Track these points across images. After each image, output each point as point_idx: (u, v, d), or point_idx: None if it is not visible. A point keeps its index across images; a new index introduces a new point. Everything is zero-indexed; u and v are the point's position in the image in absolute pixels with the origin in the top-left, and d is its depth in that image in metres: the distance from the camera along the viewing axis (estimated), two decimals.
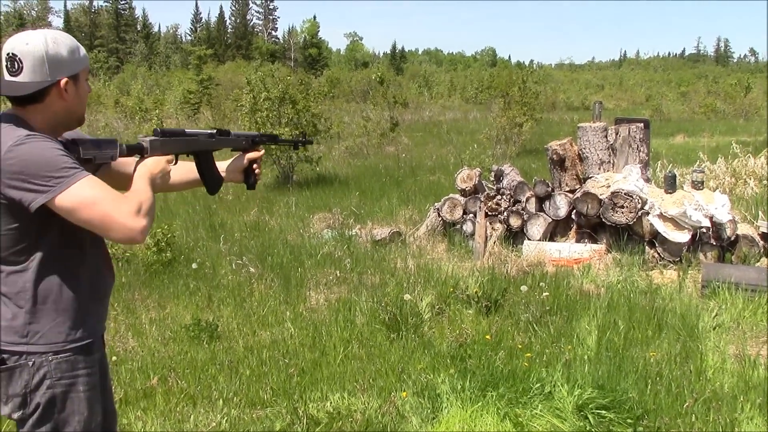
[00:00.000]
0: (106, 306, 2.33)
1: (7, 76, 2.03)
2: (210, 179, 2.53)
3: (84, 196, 1.93)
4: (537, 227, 7.75)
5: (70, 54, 2.07)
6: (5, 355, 2.04)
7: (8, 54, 2.01)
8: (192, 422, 3.93)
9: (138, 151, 2.23)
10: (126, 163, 2.32)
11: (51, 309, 2.06)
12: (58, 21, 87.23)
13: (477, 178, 8.49)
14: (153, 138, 2.25)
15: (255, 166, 2.62)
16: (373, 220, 9.37)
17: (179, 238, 8.13)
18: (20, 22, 72.76)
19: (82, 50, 2.15)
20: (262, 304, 5.97)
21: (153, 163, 2.20)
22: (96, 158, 2.11)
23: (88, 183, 1.95)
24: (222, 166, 2.60)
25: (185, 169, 2.52)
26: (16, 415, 2.09)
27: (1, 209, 1.96)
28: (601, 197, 7.25)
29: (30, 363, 2.04)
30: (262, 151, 2.67)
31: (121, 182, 2.26)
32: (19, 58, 2.00)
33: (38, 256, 2.03)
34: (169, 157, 2.28)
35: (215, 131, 2.51)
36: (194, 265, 6.91)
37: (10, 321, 2.04)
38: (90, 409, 2.16)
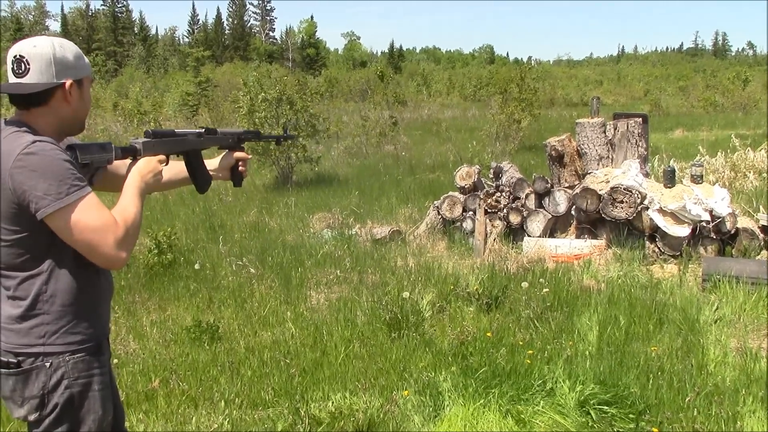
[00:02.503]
0: (110, 305, 2.37)
1: (12, 78, 2.05)
2: (200, 178, 2.57)
3: (76, 219, 1.97)
4: (537, 223, 7.74)
5: (75, 59, 2.12)
6: (21, 358, 2.06)
7: (15, 56, 2.05)
8: (194, 424, 3.93)
9: (132, 153, 2.26)
10: (119, 166, 2.36)
11: (66, 311, 2.09)
12: (55, 25, 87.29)
13: (476, 176, 8.49)
14: (145, 140, 2.30)
15: (240, 164, 2.67)
16: (373, 219, 9.37)
17: (179, 239, 8.13)
18: (18, 26, 72.77)
19: (86, 59, 2.20)
20: (262, 305, 5.97)
21: (145, 165, 2.24)
22: (93, 162, 2.14)
23: (83, 205, 1.98)
24: (210, 164, 2.63)
25: (176, 169, 2.55)
26: (32, 417, 2.11)
27: (12, 217, 1.99)
28: (600, 193, 7.25)
29: (47, 364, 2.06)
30: (249, 156, 2.72)
31: (115, 184, 2.31)
32: (26, 60, 2.03)
33: (51, 259, 2.06)
34: (161, 157, 2.31)
35: (203, 130, 2.56)
36: (197, 266, 6.92)
37: (26, 324, 2.06)
38: (104, 408, 2.20)
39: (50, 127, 2.08)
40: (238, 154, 2.66)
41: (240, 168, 2.67)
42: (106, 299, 2.28)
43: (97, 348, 2.19)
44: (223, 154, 2.67)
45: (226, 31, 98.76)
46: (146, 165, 2.24)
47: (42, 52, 2.04)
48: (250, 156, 2.73)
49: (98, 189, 2.39)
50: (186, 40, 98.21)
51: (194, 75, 37.16)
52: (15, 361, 2.06)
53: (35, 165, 1.93)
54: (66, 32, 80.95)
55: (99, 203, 2.02)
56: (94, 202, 2.00)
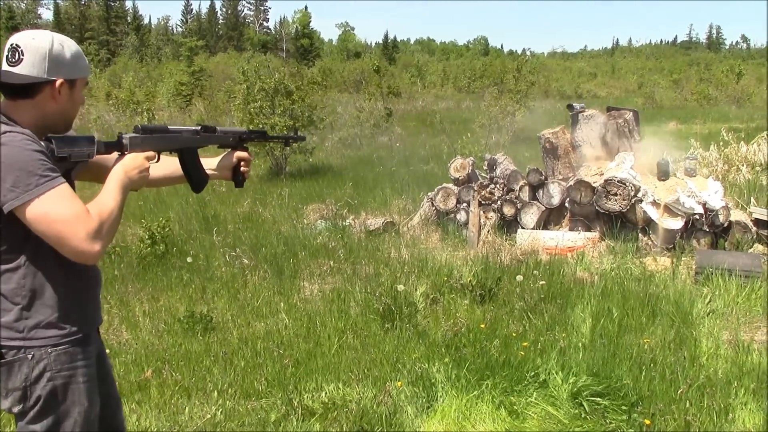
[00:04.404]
0: (99, 296, 2.33)
1: (4, 66, 2.02)
2: (195, 177, 2.47)
3: (45, 211, 1.91)
4: (530, 216, 7.75)
5: (72, 59, 2.08)
6: (3, 350, 2.04)
7: (11, 44, 2.02)
8: (187, 414, 3.92)
9: (117, 148, 2.18)
10: (108, 159, 2.27)
11: (47, 304, 2.06)
12: (47, 13, 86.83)
13: (470, 167, 8.49)
14: (133, 135, 2.21)
15: (243, 164, 2.59)
16: (367, 210, 9.36)
17: (172, 230, 8.10)
18: (9, 15, 72.26)
19: (86, 61, 2.16)
20: (256, 296, 5.96)
21: (130, 161, 2.16)
22: (71, 156, 2.06)
23: (53, 196, 1.92)
24: (209, 163, 2.56)
25: (171, 167, 2.48)
26: (16, 409, 2.08)
27: None
28: (594, 185, 7.26)
29: (29, 356, 2.04)
30: (252, 157, 2.64)
31: (101, 176, 2.23)
32: (21, 50, 2.00)
33: (30, 252, 2.03)
34: (149, 153, 2.22)
35: (200, 128, 2.46)
36: (189, 259, 6.89)
37: (6, 317, 2.03)
38: (90, 400, 2.17)
39: (32, 121, 2.03)
40: (239, 154, 2.56)
41: (242, 168, 2.58)
42: (92, 291, 2.24)
43: (82, 340, 2.16)
44: (224, 153, 2.58)
45: (220, 21, 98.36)
46: (132, 161, 2.16)
47: (38, 46, 2.01)
48: (252, 157, 2.65)
49: (84, 180, 2.36)
50: (179, 29, 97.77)
51: (188, 65, 36.94)
52: None
53: (4, 156, 1.89)
54: (58, 21, 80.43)
55: (71, 194, 1.97)
56: (65, 193, 1.95)
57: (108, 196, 2.06)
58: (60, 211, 1.92)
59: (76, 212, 1.94)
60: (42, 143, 1.99)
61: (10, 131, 1.93)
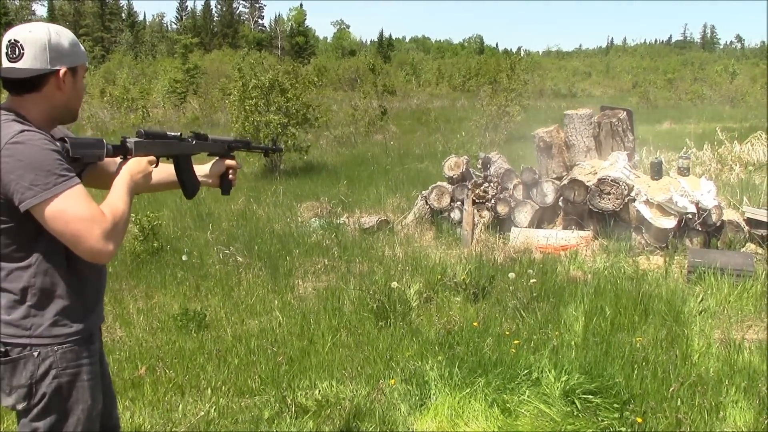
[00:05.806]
0: (103, 295, 2.35)
1: (5, 63, 2.02)
2: (188, 183, 2.54)
3: (62, 210, 1.92)
4: (524, 214, 7.77)
5: (71, 47, 2.09)
6: (8, 347, 2.04)
7: (10, 41, 2.01)
8: (180, 411, 3.93)
9: (123, 151, 2.23)
10: (109, 163, 2.32)
11: (54, 303, 2.07)
12: (42, 10, 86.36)
13: (464, 166, 8.50)
14: (137, 140, 2.26)
15: (231, 172, 2.65)
16: (361, 208, 9.37)
17: (166, 227, 8.10)
18: (3, 11, 71.95)
19: (82, 47, 2.17)
20: (250, 293, 5.96)
21: (135, 165, 2.20)
22: (84, 158, 2.10)
23: (70, 195, 1.94)
24: (200, 170, 2.61)
25: (165, 172, 2.53)
26: (20, 406, 2.09)
27: (0, 207, 1.96)
28: (587, 184, 7.27)
29: (35, 354, 2.05)
30: (240, 165, 2.71)
31: (104, 180, 2.27)
32: (20, 45, 2.00)
33: (39, 251, 2.03)
34: (151, 158, 2.27)
35: (193, 135, 2.53)
36: (184, 257, 6.88)
37: (13, 315, 2.04)
38: (93, 398, 2.18)
39: (42, 115, 2.05)
40: (229, 162, 2.63)
41: (230, 176, 2.65)
42: (99, 291, 2.26)
43: (87, 338, 2.17)
44: (214, 160, 2.64)
45: (215, 18, 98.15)
46: (137, 165, 2.20)
47: (37, 38, 2.01)
48: (240, 165, 2.72)
49: (86, 185, 2.37)
50: (174, 26, 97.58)
51: (182, 62, 36.82)
52: (2, 350, 2.04)
53: (22, 155, 1.90)
54: (53, 17, 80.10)
55: (87, 195, 1.99)
56: (82, 193, 1.97)
57: (117, 198, 2.09)
58: (77, 211, 1.94)
59: (93, 212, 1.96)
60: (57, 143, 2.00)
61: (27, 130, 1.94)
